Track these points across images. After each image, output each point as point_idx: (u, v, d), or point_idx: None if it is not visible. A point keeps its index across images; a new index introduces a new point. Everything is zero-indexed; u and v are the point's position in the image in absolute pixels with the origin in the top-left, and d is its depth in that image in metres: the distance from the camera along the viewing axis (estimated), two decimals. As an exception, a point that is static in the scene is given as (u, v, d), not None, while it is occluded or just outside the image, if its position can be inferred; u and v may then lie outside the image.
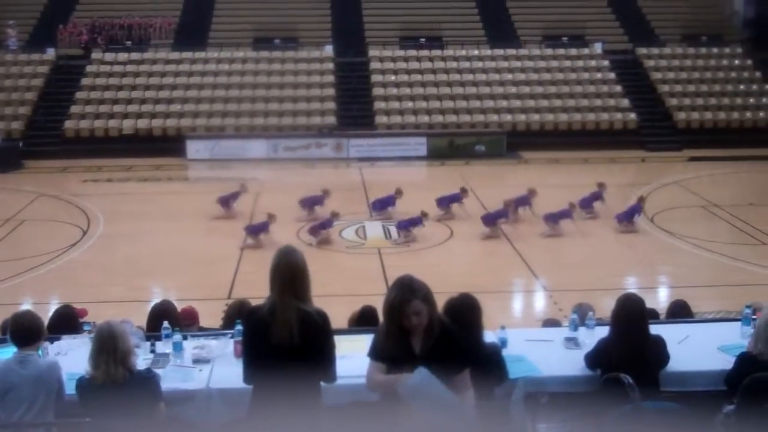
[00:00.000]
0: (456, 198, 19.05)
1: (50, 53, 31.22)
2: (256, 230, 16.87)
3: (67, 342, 6.93)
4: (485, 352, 5.76)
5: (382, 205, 19.17)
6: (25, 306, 12.89)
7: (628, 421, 5.35)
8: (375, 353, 5.09)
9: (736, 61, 32.08)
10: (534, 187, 18.94)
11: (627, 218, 17.78)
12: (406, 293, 4.88)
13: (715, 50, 32.59)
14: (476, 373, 5.13)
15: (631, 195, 19.96)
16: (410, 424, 4.74)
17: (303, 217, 18.67)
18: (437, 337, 4.92)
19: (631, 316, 6.06)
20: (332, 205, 18.51)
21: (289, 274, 5.04)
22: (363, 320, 8.13)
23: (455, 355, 4.95)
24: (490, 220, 17.56)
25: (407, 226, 17.30)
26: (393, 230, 18.01)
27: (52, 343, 6.80)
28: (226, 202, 19.10)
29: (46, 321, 8.01)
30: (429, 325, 4.91)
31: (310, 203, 19.07)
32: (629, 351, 5.90)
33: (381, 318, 5.15)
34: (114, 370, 5.38)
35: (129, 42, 32.94)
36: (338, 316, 8.31)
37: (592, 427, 5.71)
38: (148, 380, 5.57)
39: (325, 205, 18.92)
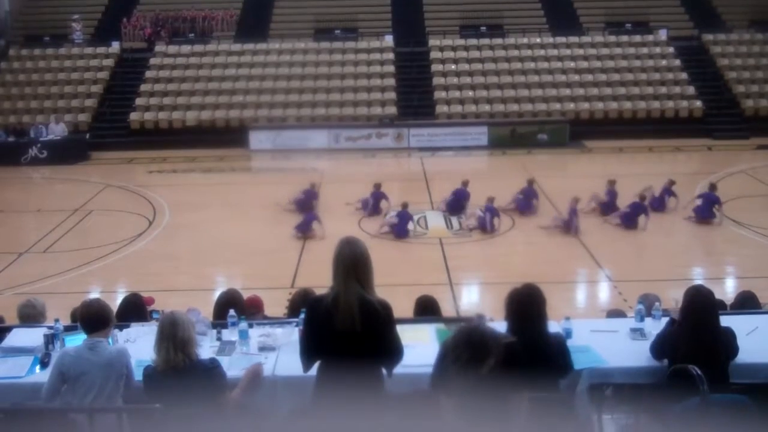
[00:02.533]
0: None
1: (115, 46, 31.79)
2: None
3: (135, 329, 7.07)
4: (549, 343, 5.73)
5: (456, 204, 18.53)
6: (93, 294, 13.22)
7: (696, 414, 5.28)
8: (439, 384, 5.00)
9: (806, 47, 31.23)
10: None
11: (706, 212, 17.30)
12: (481, 355, 4.59)
13: (784, 35, 31.81)
14: (541, 365, 5.11)
15: (698, 184, 19.60)
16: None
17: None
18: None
19: (701, 309, 5.95)
20: (395, 195, 18.55)
21: (352, 263, 5.08)
22: (421, 310, 8.12)
23: (518, 373, 4.85)
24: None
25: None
26: (455, 220, 17.97)
27: (121, 330, 6.95)
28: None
29: (114, 309, 8.21)
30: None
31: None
32: (699, 344, 5.80)
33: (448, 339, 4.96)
34: (174, 355, 5.51)
35: (192, 34, 33.40)
36: (402, 305, 8.35)
37: (658, 419, 5.65)
38: (210, 371, 5.66)
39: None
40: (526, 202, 18.25)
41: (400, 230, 16.75)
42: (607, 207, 17.91)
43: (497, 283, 12.72)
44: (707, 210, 17.32)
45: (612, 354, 6.35)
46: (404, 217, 16.90)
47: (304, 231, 16.70)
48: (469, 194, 18.50)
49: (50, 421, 5.55)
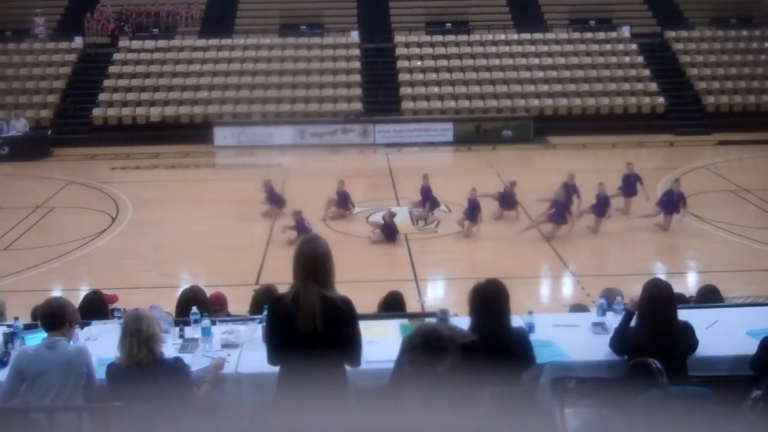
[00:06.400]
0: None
1: (78, 41, 31.44)
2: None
3: (97, 327, 7.01)
4: (512, 337, 5.76)
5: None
6: (55, 292, 13.08)
7: (655, 406, 5.33)
8: (399, 382, 4.98)
9: (766, 44, 31.61)
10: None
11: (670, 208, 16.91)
12: (436, 357, 4.67)
13: (744, 33, 32.20)
14: (503, 359, 5.13)
15: (660, 179, 19.79)
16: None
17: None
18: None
19: (659, 301, 6.02)
20: (359, 192, 18.51)
21: (312, 262, 5.07)
22: (389, 306, 8.16)
23: (478, 370, 4.85)
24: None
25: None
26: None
27: (82, 328, 6.88)
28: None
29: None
30: None
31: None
32: (657, 337, 5.87)
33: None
34: (137, 351, 5.47)
35: (156, 30, 33.10)
36: (366, 301, 8.36)
37: (619, 412, 5.69)
38: (175, 369, 5.63)
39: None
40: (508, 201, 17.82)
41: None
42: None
43: (462, 279, 12.77)
44: (670, 205, 17.12)
45: (574, 348, 6.41)
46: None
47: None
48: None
49: (9, 421, 5.48)
